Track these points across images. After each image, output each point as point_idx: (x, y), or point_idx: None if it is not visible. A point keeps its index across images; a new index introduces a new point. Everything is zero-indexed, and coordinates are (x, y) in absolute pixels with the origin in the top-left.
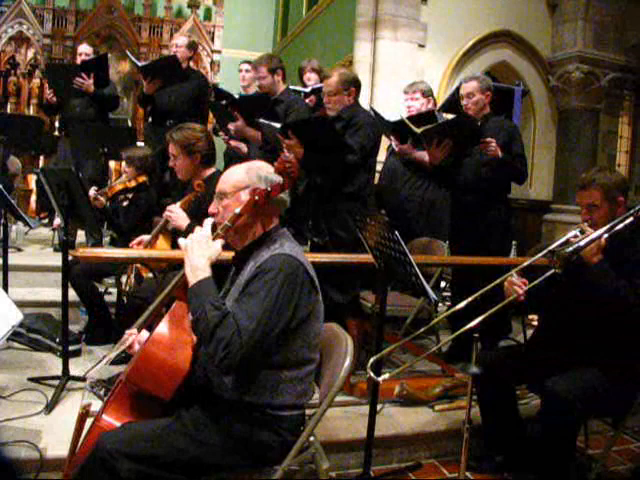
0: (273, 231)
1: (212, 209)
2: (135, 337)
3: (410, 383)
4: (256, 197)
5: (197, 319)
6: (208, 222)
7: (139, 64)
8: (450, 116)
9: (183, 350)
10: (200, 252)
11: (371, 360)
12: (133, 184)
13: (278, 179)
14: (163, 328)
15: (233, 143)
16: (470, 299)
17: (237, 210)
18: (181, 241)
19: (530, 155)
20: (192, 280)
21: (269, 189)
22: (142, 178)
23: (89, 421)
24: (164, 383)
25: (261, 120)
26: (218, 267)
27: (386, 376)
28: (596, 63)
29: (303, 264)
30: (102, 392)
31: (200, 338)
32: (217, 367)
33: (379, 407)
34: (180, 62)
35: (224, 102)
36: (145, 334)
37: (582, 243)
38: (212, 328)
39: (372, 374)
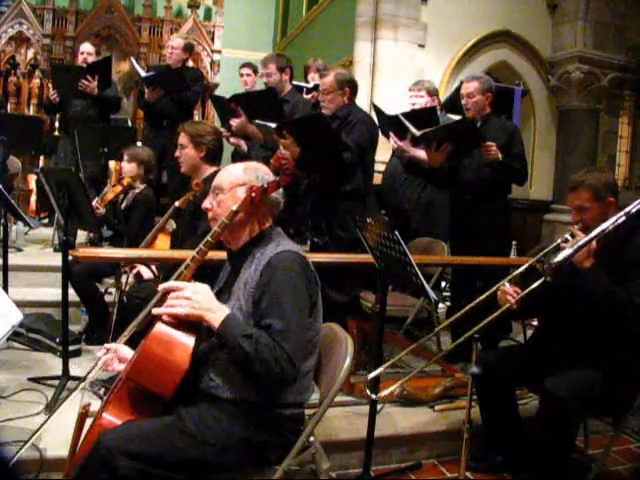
0: (269, 230)
1: (206, 204)
2: (112, 354)
3: (410, 383)
4: (253, 194)
5: (237, 356)
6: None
7: (142, 74)
8: (452, 115)
9: (183, 348)
10: (209, 297)
11: (369, 377)
12: (119, 189)
13: (274, 178)
14: (163, 325)
15: (233, 140)
16: (467, 308)
17: (234, 207)
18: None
19: (530, 155)
20: (216, 324)
21: (265, 186)
22: (127, 180)
23: (89, 421)
24: (164, 380)
25: (257, 121)
26: (208, 267)
27: (383, 393)
28: (596, 63)
29: (306, 258)
30: (102, 391)
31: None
32: (280, 382)
33: (379, 407)
34: (184, 78)
35: (226, 97)
36: (123, 348)
37: (571, 251)
38: (253, 356)
39: (368, 392)
